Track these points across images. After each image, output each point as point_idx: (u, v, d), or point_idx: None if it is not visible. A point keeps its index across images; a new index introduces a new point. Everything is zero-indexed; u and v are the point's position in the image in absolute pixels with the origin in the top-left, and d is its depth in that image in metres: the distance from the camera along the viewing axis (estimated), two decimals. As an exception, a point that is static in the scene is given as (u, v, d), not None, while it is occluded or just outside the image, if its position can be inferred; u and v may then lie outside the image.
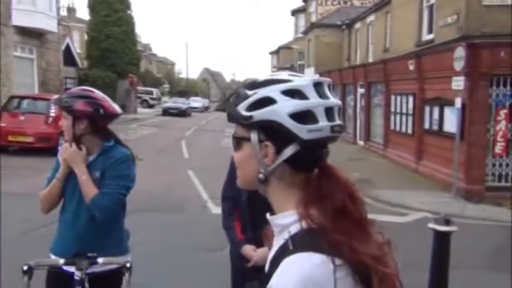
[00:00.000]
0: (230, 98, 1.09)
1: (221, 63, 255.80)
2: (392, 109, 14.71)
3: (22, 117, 12.55)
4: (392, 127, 14.74)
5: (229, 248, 2.92)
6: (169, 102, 41.37)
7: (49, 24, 19.17)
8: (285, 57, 44.15)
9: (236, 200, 2.81)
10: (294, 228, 0.98)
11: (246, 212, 2.76)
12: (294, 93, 0.99)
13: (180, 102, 40.48)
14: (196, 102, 50.44)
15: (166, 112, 36.29)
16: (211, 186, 8.91)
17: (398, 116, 14.22)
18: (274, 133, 0.99)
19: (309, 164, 1.02)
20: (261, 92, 1.01)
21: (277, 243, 1.03)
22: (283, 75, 1.05)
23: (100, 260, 2.14)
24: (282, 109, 0.98)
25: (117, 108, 2.44)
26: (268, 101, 0.99)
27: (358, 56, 23.75)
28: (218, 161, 12.35)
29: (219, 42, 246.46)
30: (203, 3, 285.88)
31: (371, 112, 17.43)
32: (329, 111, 1.00)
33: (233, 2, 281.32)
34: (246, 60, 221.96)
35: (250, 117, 1.00)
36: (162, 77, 63.63)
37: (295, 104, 0.98)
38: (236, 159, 1.08)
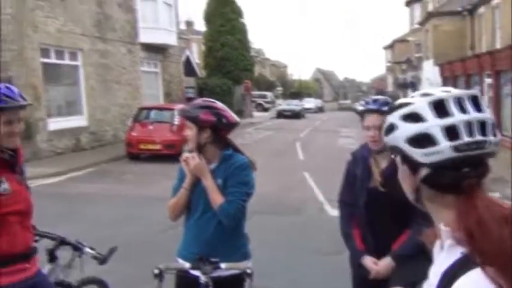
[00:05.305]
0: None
1: (333, 62, 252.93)
2: (527, 99, 13.24)
3: (151, 127, 13.65)
4: (527, 119, 13.28)
5: (349, 255, 2.86)
6: (283, 104, 41.93)
7: (170, 39, 20.66)
8: (401, 50, 42.21)
9: (354, 206, 2.75)
10: None
11: (365, 219, 2.69)
12: (411, 117, 1.00)
13: (294, 104, 40.79)
14: (310, 103, 50.44)
15: (281, 114, 36.83)
16: (328, 188, 8.83)
17: (534, 106, 12.76)
18: (404, 157, 1.02)
19: (446, 186, 0.97)
20: (389, 119, 1.05)
21: (449, 255, 0.97)
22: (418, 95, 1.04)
23: (223, 265, 2.25)
24: (400, 134, 1.00)
25: (236, 117, 2.54)
26: (392, 128, 1.03)
27: (483, 43, 21.84)
28: (334, 162, 12.20)
29: (330, 41, 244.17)
30: (311, 3, 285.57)
31: (500, 103, 15.88)
32: (451, 131, 0.95)
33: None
34: (359, 57, 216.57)
35: (386, 142, 1.05)
36: (275, 80, 64.83)
37: (410, 128, 0.99)
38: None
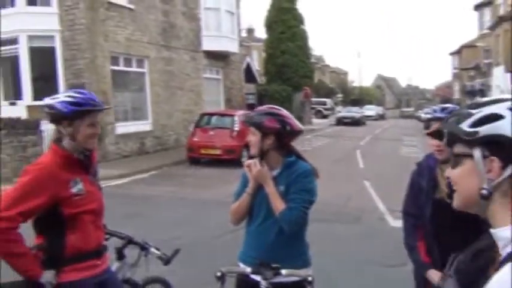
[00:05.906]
0: (448, 119, 1.14)
1: (395, 69, 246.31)
2: None
3: (212, 132, 13.95)
4: None
5: (413, 268, 2.78)
6: (342, 111, 41.48)
7: (232, 46, 21.04)
8: (468, 56, 40.44)
9: (419, 218, 2.67)
10: None
11: (431, 231, 2.61)
12: None
13: (354, 111, 40.24)
14: (370, 110, 49.48)
15: (340, 122, 36.40)
16: (389, 197, 8.61)
17: None
18: (500, 148, 1.01)
19: None
20: (487, 110, 1.04)
21: (502, 253, 1.01)
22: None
23: (283, 271, 2.26)
24: (511, 124, 1.00)
25: (300, 125, 2.55)
26: (495, 117, 1.02)
27: (561, 48, 20.47)
28: (396, 171, 11.89)
29: (392, 47, 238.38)
30: (373, 8, 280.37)
31: None
32: None
33: (405, 3, 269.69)
34: (423, 63, 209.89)
35: (475, 132, 1.03)
36: (335, 87, 64.12)
37: None
38: (454, 177, 1.10)
